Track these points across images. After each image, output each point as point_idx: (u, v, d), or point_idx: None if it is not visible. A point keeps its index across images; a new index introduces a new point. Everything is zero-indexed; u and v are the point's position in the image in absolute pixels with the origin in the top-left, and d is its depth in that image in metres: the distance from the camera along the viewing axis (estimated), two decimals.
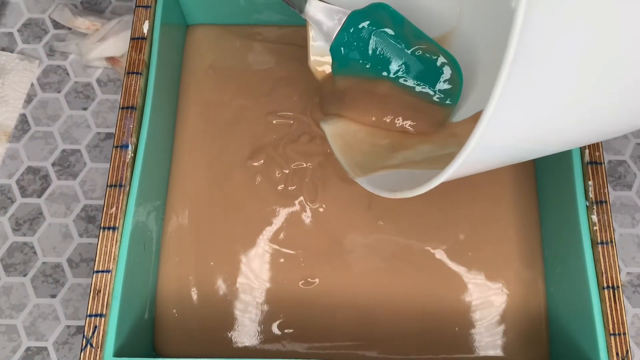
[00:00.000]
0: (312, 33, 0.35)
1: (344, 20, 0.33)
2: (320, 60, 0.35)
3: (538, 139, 0.25)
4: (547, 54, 0.21)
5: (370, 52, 0.33)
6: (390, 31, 0.33)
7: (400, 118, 0.33)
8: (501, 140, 0.23)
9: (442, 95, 0.34)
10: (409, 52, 0.33)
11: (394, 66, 0.33)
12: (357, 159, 0.33)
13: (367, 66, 0.34)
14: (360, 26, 0.33)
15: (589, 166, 0.34)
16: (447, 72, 0.33)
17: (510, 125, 0.22)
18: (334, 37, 0.34)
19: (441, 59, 0.33)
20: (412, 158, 0.33)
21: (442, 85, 0.34)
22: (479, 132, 0.21)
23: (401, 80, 0.34)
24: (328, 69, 0.35)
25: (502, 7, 0.34)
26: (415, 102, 0.34)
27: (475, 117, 0.33)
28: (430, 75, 0.34)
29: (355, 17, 0.33)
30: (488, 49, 0.35)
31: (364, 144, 0.34)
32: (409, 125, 0.33)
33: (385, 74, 0.34)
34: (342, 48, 0.34)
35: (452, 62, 0.34)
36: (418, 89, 0.34)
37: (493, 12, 0.34)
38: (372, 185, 0.31)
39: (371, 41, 0.33)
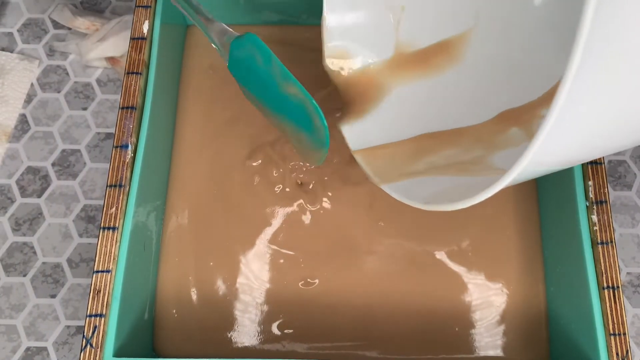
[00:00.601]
0: (326, 34, 0.34)
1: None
2: (336, 61, 0.35)
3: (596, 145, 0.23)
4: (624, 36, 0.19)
5: (250, 82, 0.33)
6: (260, 65, 0.32)
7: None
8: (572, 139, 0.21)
9: (314, 140, 0.32)
10: (281, 92, 0.32)
11: (273, 99, 0.32)
12: (379, 165, 0.32)
13: (255, 93, 0.33)
14: (237, 56, 0.33)
15: (589, 166, 0.34)
16: (314, 118, 0.31)
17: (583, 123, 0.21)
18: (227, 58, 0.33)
19: (307, 105, 0.31)
20: (437, 164, 0.32)
21: (313, 130, 0.31)
22: (546, 128, 0.20)
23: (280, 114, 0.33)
24: (343, 69, 0.35)
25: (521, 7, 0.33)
26: (295, 133, 0.33)
27: (502, 118, 0.32)
28: (300, 116, 0.32)
29: (234, 45, 0.32)
30: (508, 48, 0.34)
31: (386, 147, 0.33)
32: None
33: (268, 104, 0.33)
34: (234, 69, 0.33)
35: (315, 110, 0.30)
36: (294, 125, 0.32)
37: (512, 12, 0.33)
38: (399, 194, 0.29)
39: (249, 72, 0.33)
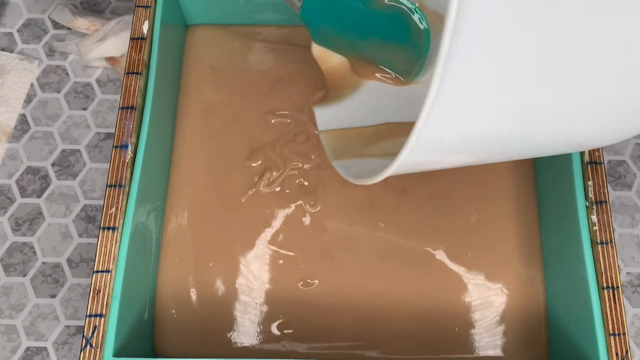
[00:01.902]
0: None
1: None
2: (321, 51, 0.36)
3: (475, 144, 0.24)
4: (486, 48, 0.20)
5: (334, 15, 0.34)
6: None
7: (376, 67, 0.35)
8: (443, 137, 0.23)
9: (412, 46, 0.34)
10: (372, 10, 0.34)
11: (363, 24, 0.34)
12: (338, 144, 0.34)
13: (337, 29, 0.34)
14: None
15: (589, 166, 0.34)
16: (413, 23, 0.34)
17: (452, 121, 0.22)
18: (300, 4, 0.34)
19: (405, 11, 0.33)
20: (389, 149, 0.33)
21: (411, 36, 0.34)
22: (418, 127, 0.21)
23: (368, 39, 0.34)
24: (331, 59, 0.36)
25: None
26: (387, 53, 0.34)
27: None
28: (396, 27, 0.34)
29: None
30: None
31: (348, 130, 0.35)
32: (384, 73, 0.35)
33: (353, 34, 0.34)
34: (310, 14, 0.34)
35: (419, 13, 0.34)
36: (386, 42, 0.34)
37: None
38: (343, 170, 0.31)
39: (330, 9, 0.34)
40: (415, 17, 0.33)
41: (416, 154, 0.23)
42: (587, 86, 0.23)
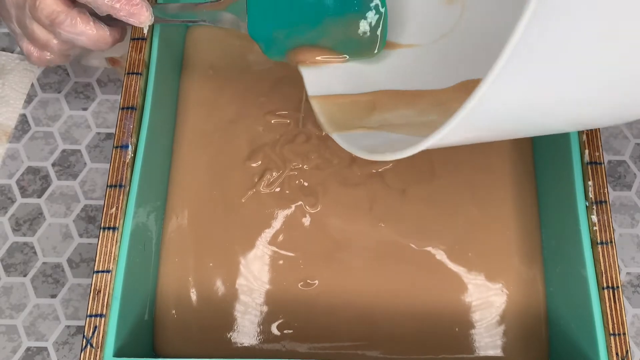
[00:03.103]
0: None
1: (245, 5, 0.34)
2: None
3: (540, 109, 0.23)
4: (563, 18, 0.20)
5: (282, 16, 0.34)
6: None
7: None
8: (503, 104, 0.22)
9: (367, 10, 0.34)
10: None
11: (312, 9, 0.34)
12: (334, 113, 0.33)
13: (288, 30, 0.34)
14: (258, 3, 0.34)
15: (589, 166, 0.34)
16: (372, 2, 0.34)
17: (514, 90, 0.21)
18: (246, 21, 0.34)
19: None
20: (391, 121, 0.32)
21: (369, 16, 0.34)
22: (481, 90, 0.20)
23: (322, 24, 0.34)
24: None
25: None
26: (345, 30, 0.34)
27: (463, 86, 0.33)
28: (355, 5, 0.34)
29: None
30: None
31: (344, 98, 0.34)
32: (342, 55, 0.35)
33: (306, 26, 0.34)
34: (257, 28, 0.34)
35: None
36: (341, 18, 0.34)
37: None
38: (348, 144, 0.30)
39: (278, 7, 0.34)
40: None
41: (469, 123, 0.22)
42: None
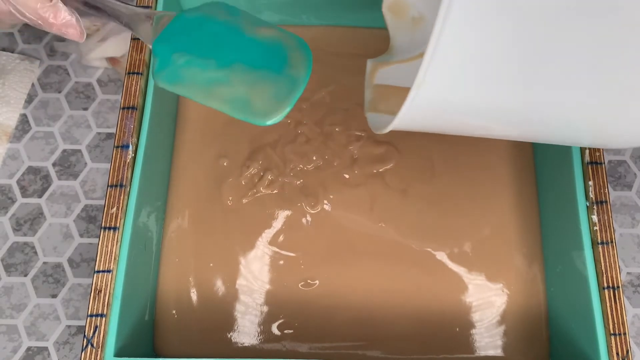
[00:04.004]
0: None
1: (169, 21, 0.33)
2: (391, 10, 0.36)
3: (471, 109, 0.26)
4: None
5: (201, 41, 0.32)
6: (225, 19, 0.32)
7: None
8: (436, 101, 0.24)
9: (289, 75, 0.31)
10: (247, 36, 0.31)
11: (229, 51, 0.31)
12: (377, 97, 0.35)
13: (194, 57, 0.31)
14: (188, 19, 0.32)
15: (589, 166, 0.34)
16: (292, 51, 0.31)
17: (444, 86, 0.24)
18: (157, 34, 0.32)
19: (284, 41, 0.31)
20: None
21: (290, 65, 0.31)
22: (415, 85, 0.23)
23: (231, 67, 0.31)
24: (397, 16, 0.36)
25: None
26: (249, 84, 0.31)
27: None
28: (272, 55, 0.31)
29: (183, 14, 0.32)
30: None
31: (395, 89, 0.35)
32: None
33: (215, 61, 0.31)
34: (165, 41, 0.32)
35: (298, 42, 0.31)
36: (253, 71, 0.31)
37: None
38: (371, 121, 0.33)
39: (201, 30, 0.32)
40: (299, 51, 0.31)
41: (412, 114, 0.25)
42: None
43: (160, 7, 0.38)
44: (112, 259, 0.32)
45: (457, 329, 0.37)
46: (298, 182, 0.39)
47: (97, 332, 0.31)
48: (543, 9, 0.22)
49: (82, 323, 0.40)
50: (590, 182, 0.34)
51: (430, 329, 0.37)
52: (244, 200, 0.39)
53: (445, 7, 0.21)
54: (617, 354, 0.31)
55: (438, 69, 0.23)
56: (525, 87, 0.24)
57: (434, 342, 0.37)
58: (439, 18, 0.21)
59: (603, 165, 0.34)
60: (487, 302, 0.37)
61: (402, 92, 0.35)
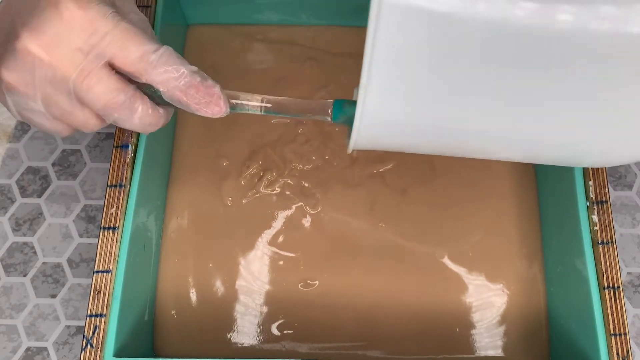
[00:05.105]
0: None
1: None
2: None
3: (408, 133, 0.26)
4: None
5: None
6: None
7: None
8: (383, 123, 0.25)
9: None
10: None
11: None
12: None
13: None
14: None
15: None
16: None
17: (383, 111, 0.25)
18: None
19: None
20: None
21: None
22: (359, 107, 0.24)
23: None
24: None
25: None
26: None
27: None
28: None
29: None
30: None
31: None
32: None
33: None
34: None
35: None
36: None
37: None
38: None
39: None
40: None
41: (365, 135, 0.26)
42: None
43: (160, 7, 0.38)
44: (112, 259, 0.32)
45: (457, 329, 0.37)
46: (298, 183, 0.39)
47: (96, 332, 0.31)
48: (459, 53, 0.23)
49: (81, 323, 0.39)
50: (591, 182, 0.34)
51: (431, 329, 0.37)
52: (244, 201, 0.39)
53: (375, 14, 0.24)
54: (618, 354, 0.31)
55: (377, 75, 0.24)
56: (451, 106, 0.25)
57: (434, 343, 0.37)
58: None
59: None
60: (487, 302, 0.37)
61: None
